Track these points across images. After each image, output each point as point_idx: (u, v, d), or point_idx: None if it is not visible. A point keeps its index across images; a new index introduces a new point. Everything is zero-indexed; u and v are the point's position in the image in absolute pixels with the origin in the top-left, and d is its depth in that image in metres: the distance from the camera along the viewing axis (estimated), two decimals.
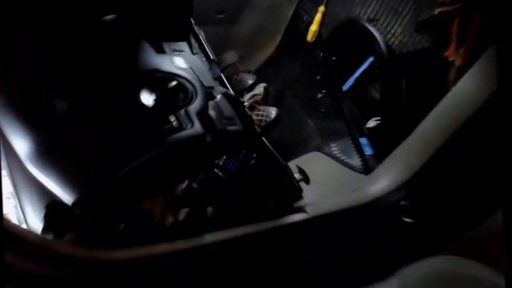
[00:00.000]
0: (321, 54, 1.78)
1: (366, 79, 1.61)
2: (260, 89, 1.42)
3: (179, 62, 1.12)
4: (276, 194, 1.24)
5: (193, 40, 1.55)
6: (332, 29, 1.74)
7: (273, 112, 1.75)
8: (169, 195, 0.97)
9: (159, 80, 1.01)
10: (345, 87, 1.66)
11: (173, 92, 0.99)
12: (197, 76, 1.09)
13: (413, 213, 1.29)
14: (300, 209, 1.25)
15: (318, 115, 1.82)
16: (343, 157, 1.68)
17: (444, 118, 1.33)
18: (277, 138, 1.85)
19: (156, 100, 0.96)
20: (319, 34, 1.81)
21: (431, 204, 1.34)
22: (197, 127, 0.95)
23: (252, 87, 1.81)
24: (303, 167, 1.65)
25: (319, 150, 1.72)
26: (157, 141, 0.92)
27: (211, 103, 1.05)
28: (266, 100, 1.38)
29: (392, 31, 1.57)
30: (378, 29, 1.58)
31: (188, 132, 0.94)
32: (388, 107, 1.55)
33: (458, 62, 1.39)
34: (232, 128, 1.03)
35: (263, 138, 1.28)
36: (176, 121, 0.94)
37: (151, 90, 0.98)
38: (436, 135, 1.32)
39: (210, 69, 1.46)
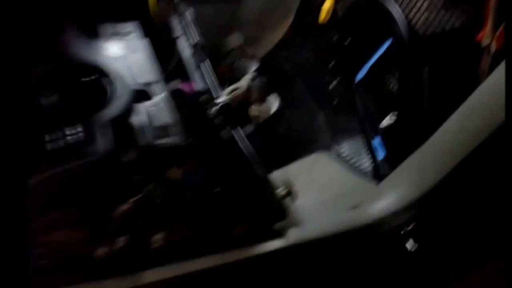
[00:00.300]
0: (335, 36, 1.51)
1: (383, 67, 1.34)
2: (242, 82, 1.20)
3: (112, 50, 0.92)
4: (251, 215, 1.04)
5: (177, 21, 1.35)
6: (347, 6, 1.46)
7: (274, 104, 1.53)
8: (93, 221, 0.80)
9: (67, 76, 0.82)
10: (359, 76, 1.39)
11: (77, 92, 0.79)
12: (130, 69, 0.89)
13: (419, 239, 1.03)
14: (282, 233, 1.04)
15: (330, 108, 1.56)
16: (352, 160, 1.42)
17: (470, 120, 1.04)
18: (282, 132, 1.63)
19: (52, 104, 0.77)
20: (334, 13, 1.54)
21: (442, 230, 1.07)
22: (106, 142, 0.76)
23: (252, 75, 1.60)
24: (306, 168, 1.43)
25: (327, 149, 1.47)
26: (47, 159, 0.73)
27: (142, 106, 0.85)
28: (247, 96, 1.16)
29: (416, 7, 1.27)
30: (399, 4, 1.29)
31: (91, 149, 0.75)
32: (406, 102, 1.27)
33: (493, 47, 1.08)
34: (163, 141, 0.82)
35: (240, 143, 1.07)
36: (82, 133, 0.75)
37: (53, 90, 0.79)
38: (459, 143, 1.04)
39: (193, 54, 1.26)
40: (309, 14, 1.62)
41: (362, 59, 1.39)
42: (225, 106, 1.07)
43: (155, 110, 0.84)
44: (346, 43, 1.44)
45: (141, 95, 0.85)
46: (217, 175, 1.00)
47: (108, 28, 0.96)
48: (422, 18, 1.25)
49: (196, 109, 0.97)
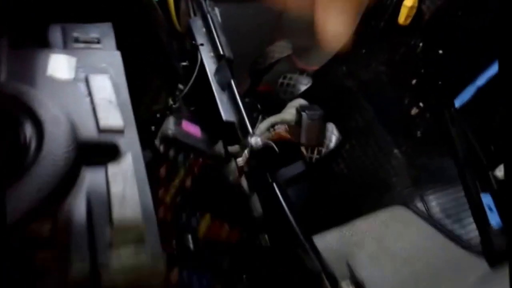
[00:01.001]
0: (421, 44, 1.08)
1: (496, 92, 0.90)
2: (287, 115, 0.80)
3: (61, 70, 0.55)
4: None
5: (199, 23, 0.99)
6: (437, 5, 1.04)
7: (331, 138, 1.12)
8: None
9: None
10: (459, 101, 0.96)
11: None
12: (83, 106, 0.52)
13: None
14: None
15: (411, 143, 1.13)
16: (447, 222, 0.98)
17: None
18: (342, 174, 1.22)
19: None
20: (417, 13, 1.12)
21: None
22: None
23: (303, 94, 1.20)
24: (379, 228, 1.01)
25: (406, 205, 1.04)
26: None
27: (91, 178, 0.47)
28: (294, 132, 0.76)
29: None
30: None
31: None
32: None
33: None
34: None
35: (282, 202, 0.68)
36: None
37: None
38: None
39: (219, 71, 0.89)
40: (383, 15, 1.21)
41: (463, 77, 0.96)
42: (261, 150, 0.68)
43: (117, 188, 0.45)
44: (438, 53, 1.01)
45: (97, 152, 0.47)
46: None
47: (63, 31, 0.60)
48: None
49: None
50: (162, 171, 0.64)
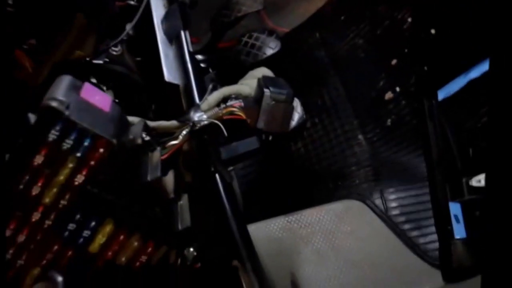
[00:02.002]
0: (409, 20, 0.94)
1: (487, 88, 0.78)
2: (247, 84, 0.63)
3: None
4: None
5: None
6: None
7: (295, 114, 0.97)
8: None
9: None
10: (444, 93, 0.84)
11: None
12: None
13: None
14: None
15: (378, 131, 1.01)
16: (406, 227, 0.88)
17: None
18: (299, 156, 1.08)
19: None
20: None
21: None
22: None
23: (268, 60, 1.04)
24: (331, 221, 0.90)
25: (363, 200, 0.92)
26: None
27: None
28: (249, 114, 0.59)
29: None
30: None
31: None
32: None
33: None
34: None
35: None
36: None
37: None
38: None
39: (167, 16, 0.73)
40: None
41: (454, 65, 0.83)
42: (204, 128, 0.52)
43: None
44: (429, 35, 0.87)
45: None
46: None
47: None
48: None
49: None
50: (38, 159, 0.42)
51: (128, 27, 0.84)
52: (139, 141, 0.47)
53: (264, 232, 0.92)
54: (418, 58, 0.90)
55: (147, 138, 0.49)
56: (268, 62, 1.11)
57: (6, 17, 0.68)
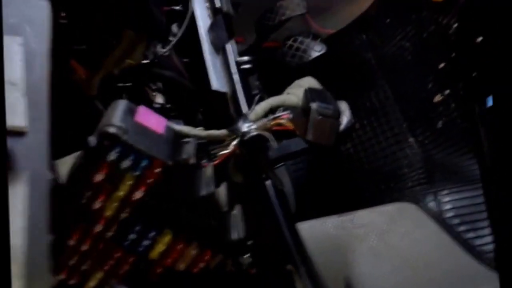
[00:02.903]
0: (454, 26, 0.96)
1: None
2: (294, 94, 0.67)
3: None
4: None
5: None
6: None
7: (343, 117, 1.02)
8: None
9: None
10: (491, 101, 0.85)
11: None
12: None
13: None
14: None
15: (429, 133, 1.04)
16: (461, 229, 0.91)
17: None
18: (349, 160, 1.13)
19: None
20: None
21: None
22: None
23: (312, 65, 1.07)
24: (383, 224, 0.95)
25: (416, 202, 0.96)
26: None
27: None
28: (298, 125, 0.64)
29: None
30: None
31: None
32: None
33: None
34: None
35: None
36: None
37: None
38: None
39: (212, 28, 0.78)
40: None
41: (499, 74, 0.84)
42: (253, 138, 0.58)
43: None
44: (476, 41, 0.89)
45: None
46: None
47: None
48: None
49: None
50: (99, 177, 0.47)
51: (175, 29, 0.88)
52: (193, 160, 0.53)
53: (319, 230, 0.97)
54: (466, 64, 0.92)
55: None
56: (313, 64, 1.15)
57: (59, 29, 0.74)
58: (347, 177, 1.11)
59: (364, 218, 0.96)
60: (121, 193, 0.48)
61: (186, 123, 0.93)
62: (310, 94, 0.63)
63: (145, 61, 0.80)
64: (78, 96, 0.77)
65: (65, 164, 0.52)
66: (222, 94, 0.72)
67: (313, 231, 0.95)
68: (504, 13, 0.81)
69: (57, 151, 0.53)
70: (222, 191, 0.60)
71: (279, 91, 0.72)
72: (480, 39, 0.87)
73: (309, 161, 1.17)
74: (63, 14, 0.73)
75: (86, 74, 0.77)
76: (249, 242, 0.60)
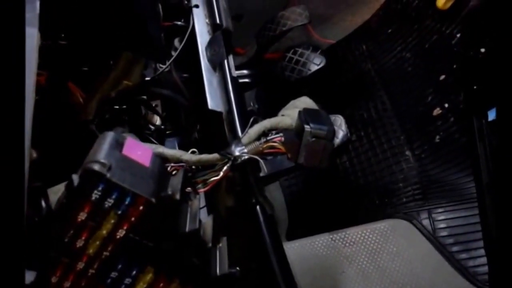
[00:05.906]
0: (458, 36, 0.92)
1: None
2: (288, 115, 0.64)
3: None
4: None
5: None
6: None
7: (339, 132, 0.98)
8: None
9: None
10: (493, 115, 0.81)
11: None
12: None
13: None
14: None
15: (427, 147, 0.99)
16: (455, 249, 0.86)
17: None
18: (343, 173, 1.08)
19: None
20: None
21: None
22: None
23: (311, 78, 1.04)
24: (376, 241, 0.90)
25: (410, 220, 0.92)
26: None
27: None
28: (290, 148, 0.60)
29: None
30: None
31: None
32: None
33: None
34: None
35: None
36: None
37: None
38: None
39: (210, 44, 0.75)
40: None
41: (501, 88, 0.80)
42: (244, 163, 0.54)
43: None
44: (479, 53, 0.85)
45: None
46: None
47: None
48: None
49: None
50: (81, 216, 0.45)
51: (177, 43, 0.86)
52: (178, 196, 0.50)
53: (308, 250, 0.93)
54: (467, 76, 0.88)
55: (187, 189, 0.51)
56: (313, 78, 1.12)
57: (58, 50, 0.71)
58: (341, 191, 1.06)
59: (356, 235, 0.91)
60: (103, 231, 0.46)
61: (182, 141, 0.90)
62: (304, 116, 0.60)
63: (147, 78, 0.78)
64: (74, 121, 0.75)
65: (57, 193, 0.50)
66: (218, 114, 0.70)
67: (302, 251, 0.92)
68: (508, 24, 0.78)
69: (51, 177, 0.52)
70: (208, 225, 0.57)
71: (277, 106, 0.69)
72: (483, 50, 0.84)
73: (303, 174, 1.13)
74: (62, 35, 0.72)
75: (83, 97, 0.75)
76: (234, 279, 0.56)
